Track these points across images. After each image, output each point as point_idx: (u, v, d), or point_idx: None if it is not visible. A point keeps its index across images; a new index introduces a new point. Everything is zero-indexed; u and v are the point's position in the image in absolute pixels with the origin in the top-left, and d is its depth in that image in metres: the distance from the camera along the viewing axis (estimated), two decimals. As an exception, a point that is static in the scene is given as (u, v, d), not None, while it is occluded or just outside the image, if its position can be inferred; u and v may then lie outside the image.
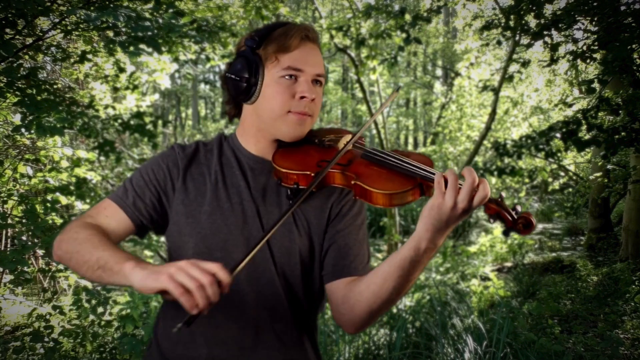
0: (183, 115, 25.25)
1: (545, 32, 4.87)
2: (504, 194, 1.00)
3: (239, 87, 1.17)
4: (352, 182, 1.09)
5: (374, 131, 12.35)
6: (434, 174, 1.02)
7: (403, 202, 1.06)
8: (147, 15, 3.68)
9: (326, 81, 1.25)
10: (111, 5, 3.53)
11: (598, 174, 7.28)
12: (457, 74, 11.97)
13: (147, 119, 4.53)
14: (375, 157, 1.14)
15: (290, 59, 1.14)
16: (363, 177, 1.09)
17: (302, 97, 1.15)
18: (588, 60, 4.63)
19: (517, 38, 6.80)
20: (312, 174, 1.12)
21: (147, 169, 1.22)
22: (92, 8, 3.45)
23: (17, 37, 3.58)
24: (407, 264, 1.02)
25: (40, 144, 4.07)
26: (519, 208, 0.97)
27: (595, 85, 4.44)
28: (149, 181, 1.20)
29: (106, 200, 1.21)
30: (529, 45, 5.37)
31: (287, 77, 1.14)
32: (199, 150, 1.26)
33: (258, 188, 1.20)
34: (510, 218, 0.97)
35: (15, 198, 3.79)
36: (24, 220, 3.56)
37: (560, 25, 4.61)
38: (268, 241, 1.14)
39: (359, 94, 16.65)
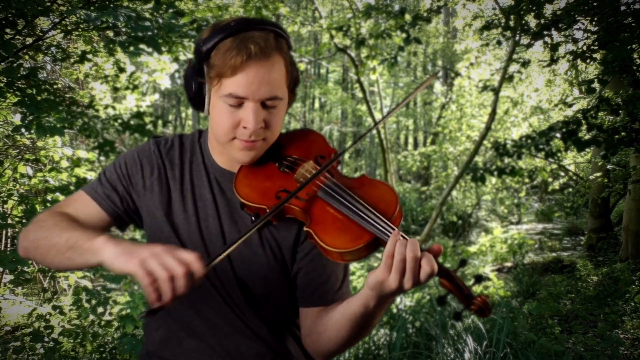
0: (183, 115, 25.25)
1: (545, 32, 4.87)
2: (465, 264, 0.91)
3: (190, 97, 1.09)
4: (305, 228, 1.01)
5: (374, 131, 12.33)
6: (389, 234, 0.92)
7: (356, 258, 0.97)
8: (147, 15, 3.68)
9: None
10: (111, 5, 3.53)
11: (598, 174, 7.28)
12: (457, 74, 11.97)
13: (147, 119, 4.53)
14: (333, 199, 1.02)
15: (231, 85, 0.99)
16: (316, 223, 1.00)
17: (245, 127, 1.03)
18: (588, 60, 4.63)
19: (517, 38, 6.80)
20: (267, 210, 1.03)
21: (122, 162, 1.17)
22: (92, 8, 3.44)
23: (17, 37, 3.58)
24: (358, 317, 0.99)
25: (40, 144, 4.06)
26: (479, 286, 0.87)
27: (595, 85, 4.44)
28: (122, 175, 1.15)
29: (79, 192, 1.17)
30: (529, 45, 5.37)
31: (229, 103, 1.01)
32: (174, 148, 1.19)
33: (224, 204, 1.14)
34: (462, 297, 0.88)
35: (15, 198, 3.79)
36: (24, 220, 3.56)
37: (560, 25, 4.61)
38: (232, 262, 1.10)
39: (359, 94, 16.65)
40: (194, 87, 1.05)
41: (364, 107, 16.40)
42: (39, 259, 1.06)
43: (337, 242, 0.96)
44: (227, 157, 1.14)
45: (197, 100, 1.07)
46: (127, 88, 5.09)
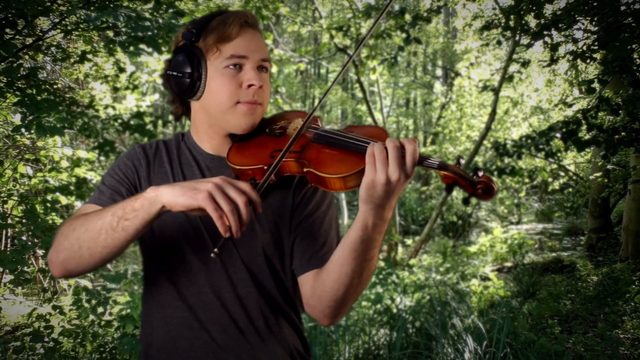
0: (183, 115, 25.24)
1: (545, 32, 4.88)
2: (463, 160, 0.94)
3: (183, 84, 1.13)
4: (305, 170, 1.04)
5: (374, 131, 12.27)
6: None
7: (358, 184, 0.99)
8: (147, 15, 3.67)
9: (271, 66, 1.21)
10: (111, 5, 3.53)
11: (598, 174, 7.28)
12: (457, 74, 11.98)
13: (147, 119, 4.54)
14: (325, 138, 1.09)
15: (232, 47, 1.10)
16: (315, 162, 1.04)
17: (249, 86, 1.11)
18: (588, 60, 4.63)
19: (517, 38, 6.81)
20: (266, 167, 1.08)
21: (115, 169, 1.20)
22: (92, 8, 3.44)
23: (17, 37, 3.58)
24: (358, 244, 0.99)
25: (40, 144, 4.07)
26: (480, 173, 0.91)
27: (595, 85, 4.44)
28: (121, 179, 1.18)
29: (85, 205, 1.19)
30: (529, 45, 5.38)
31: (231, 66, 1.10)
32: (160, 149, 1.23)
33: None
34: (467, 183, 0.91)
35: (15, 198, 3.79)
36: (24, 220, 3.56)
37: (560, 25, 4.62)
38: (234, 243, 1.12)
39: (359, 94, 16.65)
40: (191, 67, 1.11)
41: (364, 107, 16.40)
42: (85, 259, 1.02)
43: (338, 169, 1.00)
44: (217, 141, 1.19)
45: (190, 84, 1.12)
46: (127, 88, 5.09)
